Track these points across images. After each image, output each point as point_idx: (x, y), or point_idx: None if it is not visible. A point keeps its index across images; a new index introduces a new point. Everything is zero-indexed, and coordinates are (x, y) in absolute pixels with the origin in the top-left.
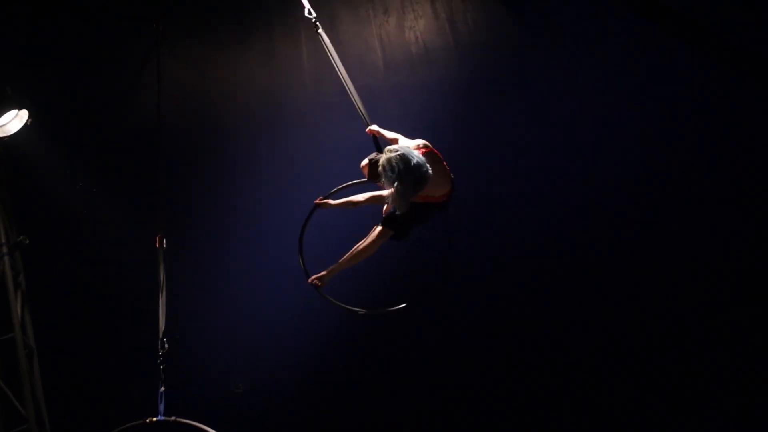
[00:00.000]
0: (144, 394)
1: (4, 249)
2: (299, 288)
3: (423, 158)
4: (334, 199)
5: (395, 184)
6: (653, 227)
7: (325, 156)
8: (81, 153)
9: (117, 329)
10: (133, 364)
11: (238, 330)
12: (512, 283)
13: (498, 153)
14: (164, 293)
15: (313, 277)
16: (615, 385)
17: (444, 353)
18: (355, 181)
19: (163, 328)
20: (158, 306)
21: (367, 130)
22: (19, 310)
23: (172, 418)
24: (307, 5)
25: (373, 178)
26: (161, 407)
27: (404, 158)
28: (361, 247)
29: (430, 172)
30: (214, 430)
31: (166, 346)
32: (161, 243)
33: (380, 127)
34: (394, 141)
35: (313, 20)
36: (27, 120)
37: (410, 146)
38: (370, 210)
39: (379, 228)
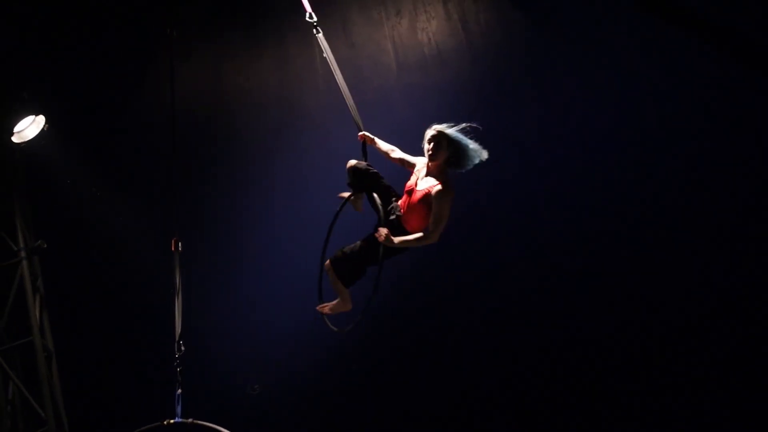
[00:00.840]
0: (161, 396)
1: (23, 253)
2: (313, 290)
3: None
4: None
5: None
6: (666, 224)
7: (338, 159)
8: (97, 158)
9: (134, 332)
10: (151, 367)
11: (253, 332)
12: (526, 281)
13: (511, 153)
14: (180, 296)
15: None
16: (619, 385)
17: (457, 355)
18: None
19: (180, 330)
20: (174, 309)
21: (359, 135)
22: (37, 314)
23: (190, 419)
24: (308, 9)
25: (354, 186)
26: (178, 409)
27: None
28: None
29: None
30: (231, 431)
31: (183, 348)
32: (177, 246)
33: (380, 139)
34: (390, 151)
35: (314, 24)
36: (44, 126)
37: (413, 161)
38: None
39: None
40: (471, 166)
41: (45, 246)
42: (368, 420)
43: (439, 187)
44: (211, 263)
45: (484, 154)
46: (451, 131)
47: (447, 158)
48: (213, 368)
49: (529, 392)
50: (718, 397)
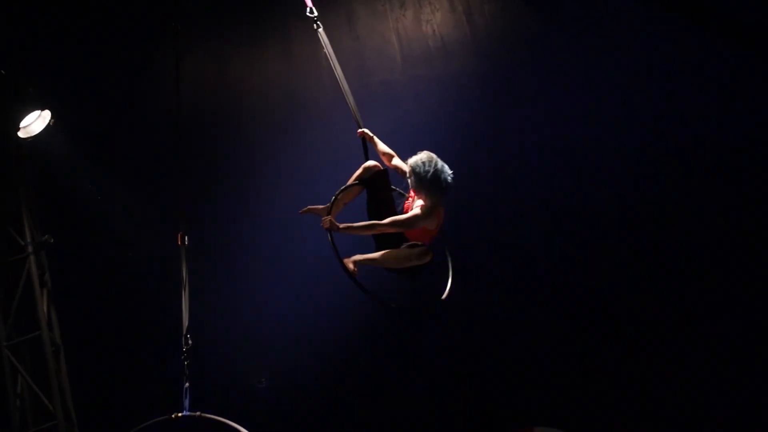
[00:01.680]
0: (169, 389)
1: (30, 248)
2: (320, 283)
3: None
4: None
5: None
6: (670, 220)
7: (343, 152)
8: (103, 152)
9: (141, 326)
10: (159, 360)
11: (260, 325)
12: (529, 276)
13: (515, 146)
14: (187, 289)
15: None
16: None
17: (464, 348)
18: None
19: (187, 324)
20: (181, 302)
21: (359, 131)
22: (45, 309)
23: (198, 413)
24: (309, 3)
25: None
26: (186, 402)
27: (433, 159)
28: (394, 253)
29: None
30: (239, 424)
31: (190, 341)
32: (183, 240)
33: (379, 140)
34: (387, 155)
35: (314, 19)
36: (50, 120)
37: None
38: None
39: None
40: (439, 192)
41: (52, 241)
42: (374, 412)
43: (418, 209)
44: (218, 256)
45: (446, 180)
46: (414, 162)
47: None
48: (220, 361)
49: (532, 389)
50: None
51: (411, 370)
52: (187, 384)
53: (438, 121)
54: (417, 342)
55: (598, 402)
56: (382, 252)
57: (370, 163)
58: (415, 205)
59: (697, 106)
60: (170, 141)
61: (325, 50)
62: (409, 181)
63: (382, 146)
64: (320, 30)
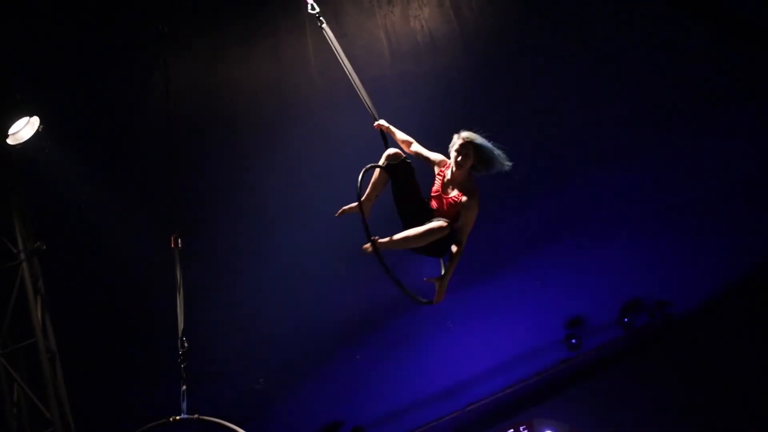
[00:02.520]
0: (166, 392)
1: (22, 255)
2: (316, 284)
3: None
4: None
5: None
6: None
7: (335, 150)
8: (93, 156)
9: (137, 330)
10: (155, 364)
11: (256, 327)
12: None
13: (505, 140)
14: (182, 292)
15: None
16: None
17: (457, 350)
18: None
19: (182, 327)
20: (176, 305)
21: (375, 124)
22: (39, 316)
23: (195, 415)
24: (309, 0)
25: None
26: (184, 405)
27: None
28: (415, 232)
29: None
30: (237, 426)
31: (186, 344)
32: (176, 243)
33: (397, 129)
34: (406, 143)
35: (317, 16)
36: (38, 126)
37: (431, 156)
38: None
39: (441, 222)
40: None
41: (44, 247)
42: (370, 411)
43: (468, 198)
44: (212, 258)
45: (508, 164)
46: (479, 139)
47: (474, 165)
48: (217, 363)
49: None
50: None
51: (406, 368)
52: (184, 387)
53: (428, 115)
54: (413, 340)
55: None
56: (405, 233)
57: (391, 150)
58: (460, 195)
59: (695, 95)
60: (161, 143)
61: (332, 46)
62: (462, 157)
63: (401, 135)
64: (324, 26)
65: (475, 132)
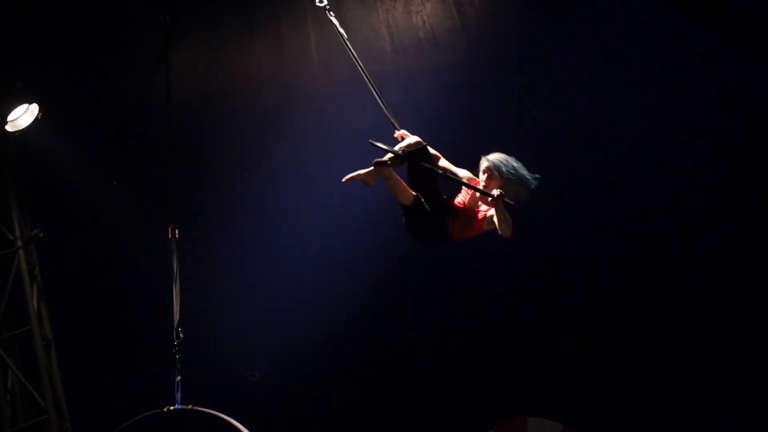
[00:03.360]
0: (161, 383)
1: (19, 243)
2: (314, 275)
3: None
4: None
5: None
6: (669, 217)
7: (334, 143)
8: (92, 145)
9: (133, 319)
10: (150, 354)
11: (252, 318)
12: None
13: (507, 136)
14: (178, 283)
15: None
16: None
17: (458, 338)
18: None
19: (178, 317)
20: (173, 296)
21: (396, 134)
22: (35, 303)
23: (189, 406)
24: None
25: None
26: (178, 396)
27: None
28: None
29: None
30: (231, 417)
31: (181, 335)
32: (174, 234)
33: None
34: (434, 157)
35: (326, 8)
36: (38, 114)
37: (459, 174)
38: None
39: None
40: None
41: (41, 235)
42: (368, 405)
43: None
44: (209, 250)
45: (533, 184)
46: (503, 167)
47: (501, 185)
48: (212, 354)
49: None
50: None
51: (406, 364)
52: (178, 377)
53: (429, 111)
54: (412, 337)
55: (591, 393)
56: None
57: (412, 139)
58: (487, 210)
59: (698, 105)
60: (160, 133)
61: (343, 41)
62: (488, 174)
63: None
64: (334, 18)
65: (501, 153)
